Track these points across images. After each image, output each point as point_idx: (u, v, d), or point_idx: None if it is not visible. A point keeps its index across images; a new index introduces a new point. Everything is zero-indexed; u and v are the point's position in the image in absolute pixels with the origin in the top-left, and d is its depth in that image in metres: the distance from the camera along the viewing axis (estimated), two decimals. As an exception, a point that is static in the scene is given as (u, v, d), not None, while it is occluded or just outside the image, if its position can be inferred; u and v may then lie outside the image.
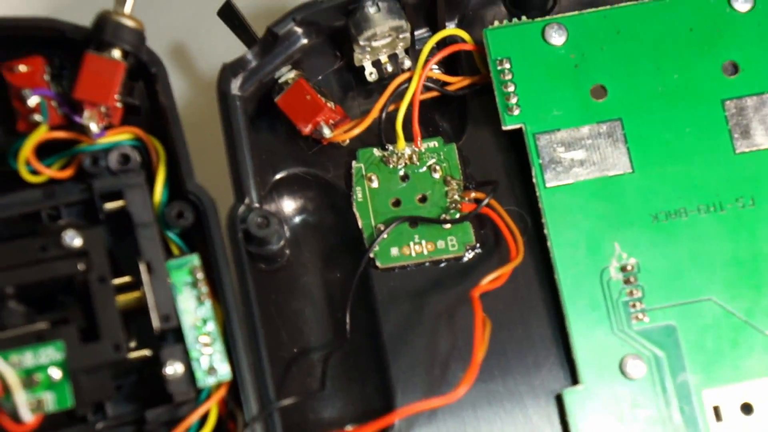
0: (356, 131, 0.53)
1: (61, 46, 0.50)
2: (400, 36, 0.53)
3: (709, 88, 0.52)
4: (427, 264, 0.52)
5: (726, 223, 0.51)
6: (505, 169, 0.53)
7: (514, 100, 0.52)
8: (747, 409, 0.50)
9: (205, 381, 0.46)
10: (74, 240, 0.47)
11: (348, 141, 0.54)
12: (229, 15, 0.54)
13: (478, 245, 0.52)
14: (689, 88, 0.52)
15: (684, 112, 0.52)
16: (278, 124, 0.54)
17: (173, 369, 0.46)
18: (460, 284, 0.52)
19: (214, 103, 0.53)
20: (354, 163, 0.54)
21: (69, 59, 0.50)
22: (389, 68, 0.54)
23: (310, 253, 0.53)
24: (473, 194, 0.53)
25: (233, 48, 0.53)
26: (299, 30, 0.52)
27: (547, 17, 0.53)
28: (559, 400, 0.50)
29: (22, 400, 0.44)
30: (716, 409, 0.50)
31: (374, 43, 0.53)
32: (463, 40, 0.54)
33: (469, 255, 0.52)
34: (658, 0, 0.53)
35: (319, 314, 0.52)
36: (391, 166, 0.54)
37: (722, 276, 0.51)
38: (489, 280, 0.50)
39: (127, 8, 0.49)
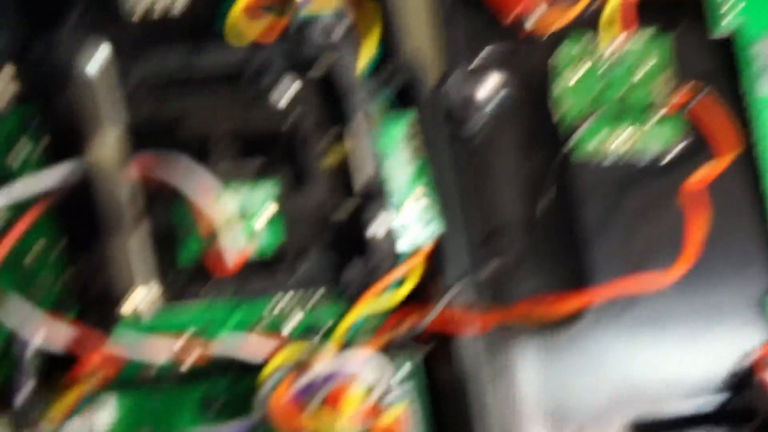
0: (562, 22, 0.52)
1: None
2: (614, -71, 0.52)
3: None
4: (628, 159, 0.51)
5: None
6: (716, 72, 0.52)
7: (729, 3, 0.51)
8: None
9: (407, 242, 0.46)
10: (284, 96, 0.46)
11: (552, 31, 0.53)
12: None
13: (683, 142, 0.51)
14: None
15: None
16: (480, 11, 0.53)
17: (376, 228, 0.45)
18: (662, 181, 0.50)
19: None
20: (557, 54, 0.52)
21: None
22: (600, -39, 0.53)
23: (506, 140, 0.52)
24: (681, 92, 0.51)
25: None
26: None
27: None
28: (764, 306, 0.49)
29: (232, 237, 0.43)
30: None
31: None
32: (681, -63, 0.53)
33: (673, 152, 0.51)
34: None
35: (514, 200, 0.51)
36: (595, 59, 0.52)
37: None
38: (698, 178, 0.48)
39: None
